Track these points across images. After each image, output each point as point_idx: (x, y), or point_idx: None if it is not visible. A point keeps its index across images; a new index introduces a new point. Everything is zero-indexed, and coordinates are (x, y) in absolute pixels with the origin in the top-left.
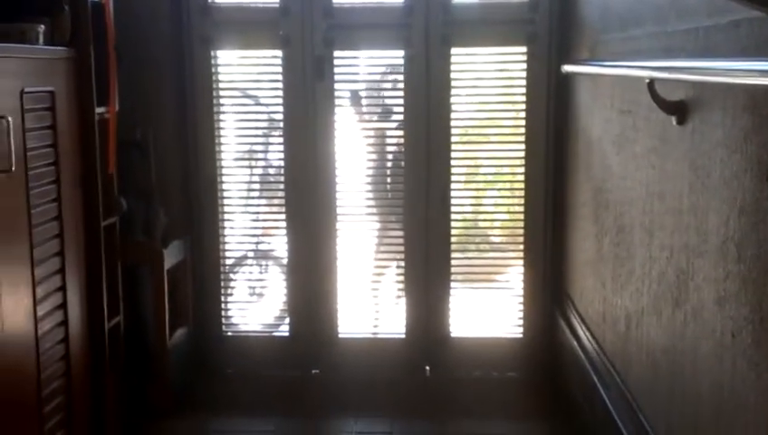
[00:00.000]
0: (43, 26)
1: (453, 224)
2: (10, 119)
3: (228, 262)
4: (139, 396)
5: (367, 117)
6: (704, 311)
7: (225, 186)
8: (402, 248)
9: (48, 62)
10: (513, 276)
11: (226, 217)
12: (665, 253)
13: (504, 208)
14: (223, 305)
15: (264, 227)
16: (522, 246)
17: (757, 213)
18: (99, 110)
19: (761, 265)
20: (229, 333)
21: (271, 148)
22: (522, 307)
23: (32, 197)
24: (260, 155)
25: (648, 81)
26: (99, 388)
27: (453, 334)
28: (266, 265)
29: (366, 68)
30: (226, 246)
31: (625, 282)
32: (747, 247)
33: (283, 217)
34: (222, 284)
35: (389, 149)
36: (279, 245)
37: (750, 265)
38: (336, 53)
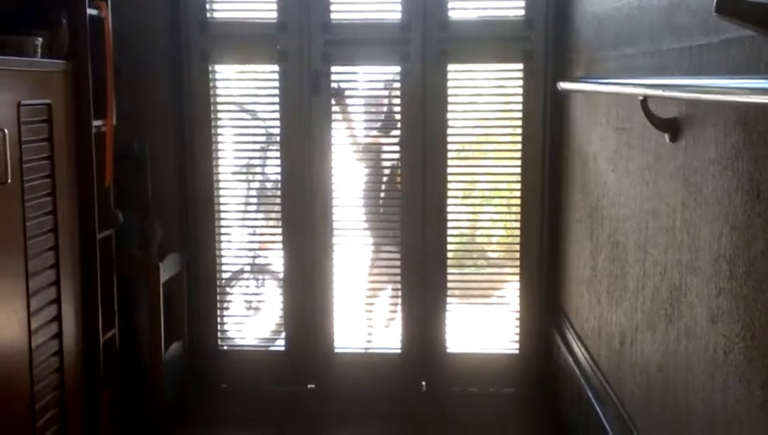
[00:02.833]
0: (40, 39)
1: (449, 239)
2: (6, 131)
3: (225, 276)
4: (134, 410)
5: (362, 130)
6: (697, 328)
7: (222, 199)
8: (399, 263)
9: (45, 75)
10: (510, 292)
11: (223, 230)
12: (658, 269)
13: (501, 224)
14: (219, 319)
15: (260, 241)
16: (518, 262)
17: (748, 230)
18: (96, 123)
19: (752, 282)
20: (225, 348)
21: (268, 162)
22: (518, 323)
23: (27, 209)
24: (257, 169)
25: (641, 98)
26: (93, 401)
27: (449, 350)
28: (263, 280)
29: (363, 83)
30: (223, 260)
31: (619, 298)
32: (739, 264)
33: (279, 231)
34: (218, 298)
35: (386, 164)
36: (276, 259)
37: (741, 282)
38: (333, 68)
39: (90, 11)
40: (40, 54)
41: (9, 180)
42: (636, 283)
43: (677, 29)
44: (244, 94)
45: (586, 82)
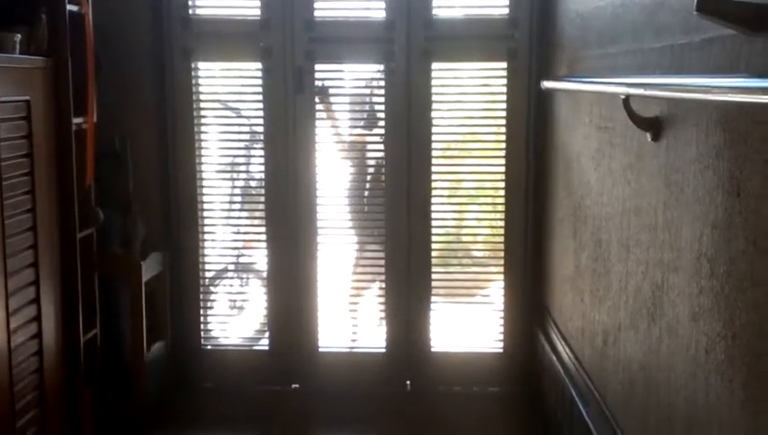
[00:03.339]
0: (19, 35)
1: (434, 238)
2: None
3: (208, 275)
4: (116, 410)
5: (346, 128)
6: (678, 326)
7: (205, 198)
8: (383, 262)
9: (24, 72)
10: (494, 291)
11: (207, 229)
12: (641, 268)
13: (485, 223)
14: (202, 318)
15: (244, 240)
16: (502, 261)
17: (729, 229)
18: (76, 120)
19: (733, 281)
20: (208, 347)
21: (252, 160)
22: (502, 322)
23: (5, 207)
24: (241, 167)
25: (623, 97)
26: (74, 401)
27: (434, 349)
28: (247, 279)
29: (347, 81)
30: (206, 259)
31: (602, 297)
32: (720, 263)
33: (263, 229)
34: (201, 296)
35: (370, 163)
36: (260, 258)
37: (722, 280)
38: (317, 66)
39: (70, 7)
40: (18, 51)
41: None
42: (619, 281)
43: (659, 28)
44: (227, 92)
45: (569, 81)
